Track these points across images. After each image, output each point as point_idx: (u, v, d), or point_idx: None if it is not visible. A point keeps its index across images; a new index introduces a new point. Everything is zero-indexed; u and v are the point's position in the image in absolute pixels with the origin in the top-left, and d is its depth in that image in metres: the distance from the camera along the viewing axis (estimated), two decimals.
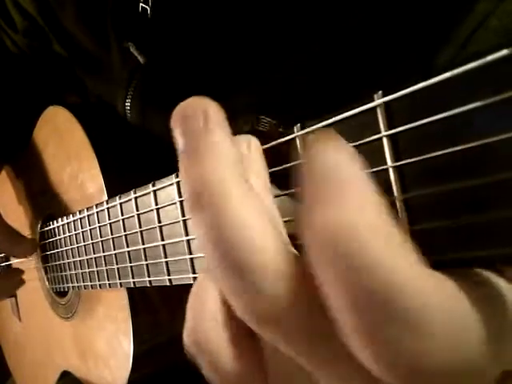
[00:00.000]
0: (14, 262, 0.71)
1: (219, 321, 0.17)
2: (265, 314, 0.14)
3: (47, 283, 0.60)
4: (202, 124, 0.15)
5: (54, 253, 0.53)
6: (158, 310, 0.45)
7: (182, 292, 0.46)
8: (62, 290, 0.55)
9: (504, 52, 0.13)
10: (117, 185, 0.45)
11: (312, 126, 0.18)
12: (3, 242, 0.55)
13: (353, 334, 0.12)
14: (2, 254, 0.75)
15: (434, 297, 0.12)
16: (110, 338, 0.48)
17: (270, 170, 0.20)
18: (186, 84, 0.42)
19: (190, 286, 0.29)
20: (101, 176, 0.45)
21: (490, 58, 0.13)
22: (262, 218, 0.14)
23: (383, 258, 0.12)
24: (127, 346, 0.44)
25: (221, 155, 0.15)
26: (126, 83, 0.45)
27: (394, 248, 0.12)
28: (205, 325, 0.17)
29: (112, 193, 0.43)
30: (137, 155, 0.48)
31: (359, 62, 0.32)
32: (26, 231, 0.65)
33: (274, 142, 0.20)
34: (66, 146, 0.51)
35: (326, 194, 0.13)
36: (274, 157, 0.20)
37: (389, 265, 0.11)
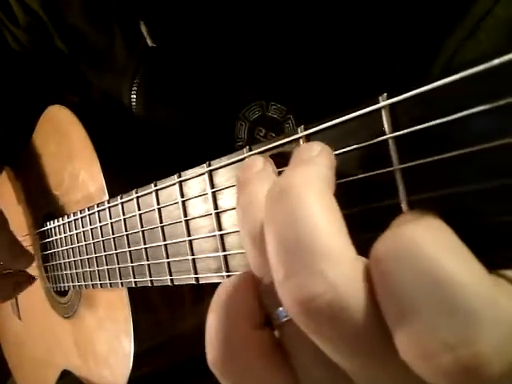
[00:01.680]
0: None
1: (253, 333, 0.16)
2: (330, 312, 0.13)
3: (47, 282, 0.60)
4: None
5: (54, 252, 0.53)
6: (158, 309, 0.45)
7: (182, 291, 0.46)
8: (62, 289, 0.55)
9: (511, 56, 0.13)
10: (117, 184, 0.44)
11: (316, 127, 0.18)
12: (4, 254, 0.55)
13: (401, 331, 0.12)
14: None
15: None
16: (110, 337, 0.48)
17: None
18: (195, 70, 0.41)
19: (191, 285, 0.29)
20: (102, 175, 0.45)
21: (496, 61, 0.13)
22: (337, 219, 0.15)
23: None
24: (128, 345, 0.44)
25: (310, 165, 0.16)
26: (132, 71, 0.44)
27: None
28: (236, 339, 0.16)
29: (113, 192, 0.43)
30: (138, 155, 0.48)
31: (364, 51, 0.33)
32: (25, 231, 0.65)
33: (278, 142, 0.20)
34: (66, 145, 0.51)
35: None
36: (278, 158, 0.20)
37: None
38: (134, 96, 0.45)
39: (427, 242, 0.12)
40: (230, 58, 0.39)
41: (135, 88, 0.45)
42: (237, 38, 0.38)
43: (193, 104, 0.43)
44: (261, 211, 0.16)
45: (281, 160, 0.20)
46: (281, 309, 0.16)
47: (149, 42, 0.41)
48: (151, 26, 0.41)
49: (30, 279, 0.60)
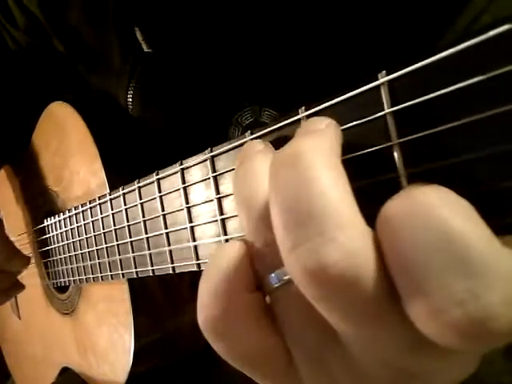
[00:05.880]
0: None
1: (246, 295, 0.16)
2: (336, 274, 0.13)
3: (47, 279, 0.61)
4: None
5: (54, 247, 0.54)
6: (159, 304, 0.45)
7: (183, 285, 0.47)
8: (62, 284, 0.55)
9: (506, 27, 0.13)
10: (119, 180, 0.45)
11: (316, 107, 0.19)
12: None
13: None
14: None
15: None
16: (110, 333, 0.48)
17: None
18: (189, 76, 0.42)
19: (192, 279, 0.28)
20: (103, 171, 0.45)
21: (492, 33, 0.13)
22: (347, 187, 0.14)
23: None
24: (128, 340, 0.44)
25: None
26: (128, 75, 0.45)
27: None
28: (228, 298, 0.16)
29: (114, 188, 0.43)
30: (139, 150, 0.48)
31: (356, 58, 0.33)
32: (25, 228, 0.65)
33: (280, 124, 0.20)
34: (67, 141, 0.52)
35: None
36: (279, 142, 0.20)
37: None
38: (131, 98, 0.46)
39: (439, 202, 0.12)
40: (223, 64, 0.39)
41: (131, 91, 0.45)
42: (230, 45, 0.38)
43: (186, 108, 0.44)
44: (259, 180, 0.17)
45: (281, 145, 0.20)
46: (273, 275, 0.16)
47: (144, 47, 0.42)
48: (146, 33, 0.41)
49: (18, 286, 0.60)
